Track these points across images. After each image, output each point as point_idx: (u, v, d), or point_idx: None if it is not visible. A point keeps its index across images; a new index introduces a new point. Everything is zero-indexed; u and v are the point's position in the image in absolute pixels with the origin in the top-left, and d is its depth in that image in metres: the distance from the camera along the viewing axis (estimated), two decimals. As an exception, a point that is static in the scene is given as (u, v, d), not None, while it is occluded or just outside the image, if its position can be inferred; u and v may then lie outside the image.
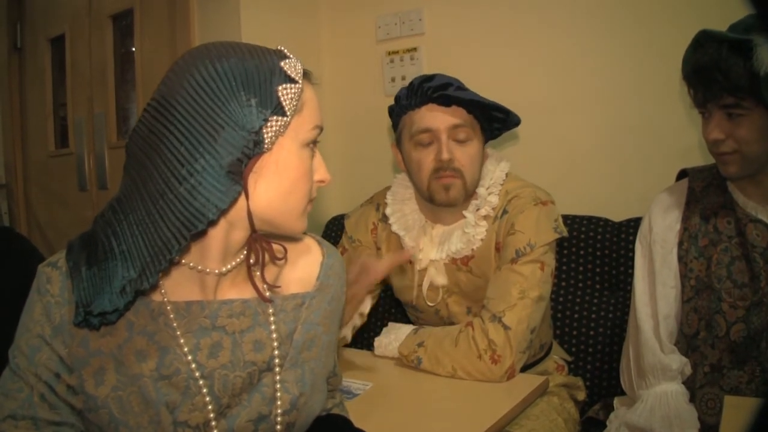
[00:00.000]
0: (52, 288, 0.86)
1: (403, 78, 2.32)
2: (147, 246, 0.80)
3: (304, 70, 0.88)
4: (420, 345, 1.47)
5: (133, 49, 2.69)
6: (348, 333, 1.47)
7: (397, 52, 2.37)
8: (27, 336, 0.86)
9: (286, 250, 0.95)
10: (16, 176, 3.41)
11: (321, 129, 0.92)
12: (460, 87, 1.54)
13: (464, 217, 1.58)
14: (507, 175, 1.61)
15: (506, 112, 1.57)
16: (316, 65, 2.54)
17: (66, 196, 3.11)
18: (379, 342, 1.57)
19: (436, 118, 1.52)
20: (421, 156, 1.55)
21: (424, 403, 1.37)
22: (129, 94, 2.82)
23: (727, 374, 1.35)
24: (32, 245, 1.83)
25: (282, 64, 0.85)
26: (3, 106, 3.42)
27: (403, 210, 1.66)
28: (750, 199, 1.36)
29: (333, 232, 2.28)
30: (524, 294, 1.44)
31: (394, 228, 1.64)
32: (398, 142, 1.63)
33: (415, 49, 2.33)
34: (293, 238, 1.02)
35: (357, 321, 1.46)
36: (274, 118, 0.83)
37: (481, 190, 1.58)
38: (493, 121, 1.58)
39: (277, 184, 0.87)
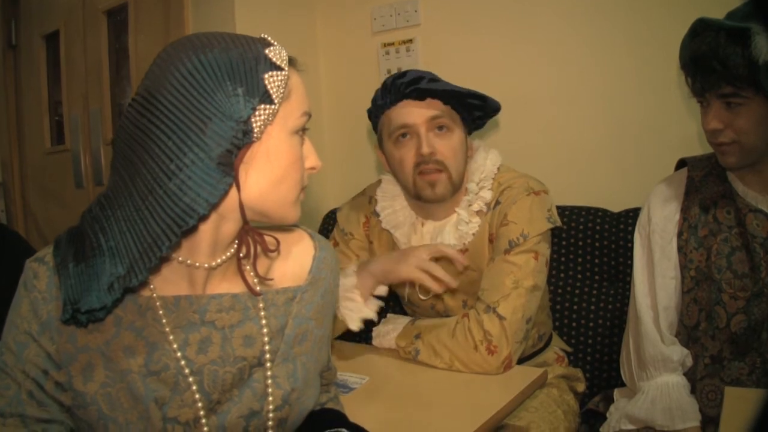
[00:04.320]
0: (39, 284, 0.85)
1: (399, 69, 2.30)
2: (136, 243, 0.78)
3: (289, 56, 0.87)
4: (417, 336, 1.47)
5: (128, 44, 2.68)
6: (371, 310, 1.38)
7: (392, 44, 2.36)
8: (14, 332, 0.85)
9: (278, 242, 0.94)
10: (12, 174, 3.41)
11: (309, 115, 0.91)
12: (433, 79, 1.51)
13: (455, 212, 1.56)
14: (499, 168, 1.59)
15: (483, 99, 1.54)
16: (312, 57, 2.53)
17: (63, 193, 3.11)
18: (377, 331, 1.56)
19: (412, 113, 1.50)
20: (402, 153, 1.53)
21: (421, 396, 1.36)
22: (124, 90, 2.81)
23: (727, 365, 1.34)
24: (26, 242, 1.82)
25: (267, 51, 0.84)
26: (-1, 104, 3.42)
27: (394, 206, 1.64)
28: (750, 189, 1.35)
29: (330, 225, 2.27)
30: (518, 284, 1.43)
31: (384, 224, 1.63)
32: (380, 143, 1.61)
33: (410, 40, 2.31)
34: (285, 230, 1.01)
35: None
36: (262, 106, 0.82)
37: (471, 185, 1.56)
38: (473, 110, 1.56)
39: (268, 173, 0.86)
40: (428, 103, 1.50)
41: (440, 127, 1.51)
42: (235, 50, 0.82)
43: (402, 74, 1.52)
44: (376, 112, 1.58)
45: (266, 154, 0.85)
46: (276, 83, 0.83)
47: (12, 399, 0.84)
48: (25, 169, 3.41)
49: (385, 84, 1.54)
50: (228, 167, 0.80)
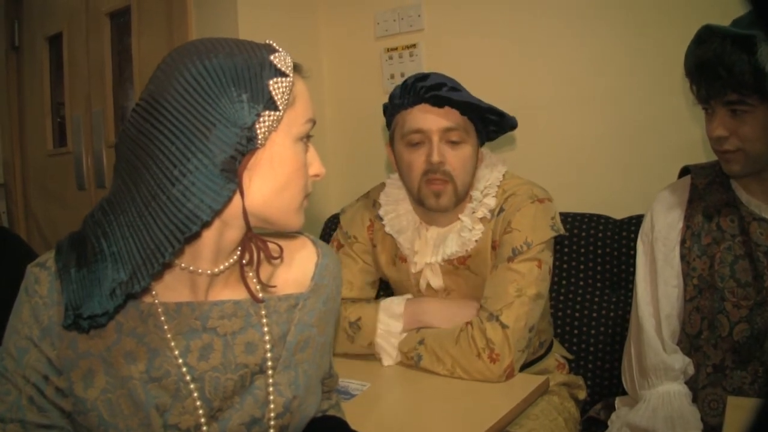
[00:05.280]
0: (41, 289, 0.84)
1: (402, 75, 2.30)
2: (138, 249, 0.78)
3: (294, 63, 0.86)
4: (420, 342, 1.46)
5: (131, 46, 2.68)
6: None
7: (395, 49, 2.36)
8: (15, 338, 0.85)
9: (281, 249, 0.93)
10: (14, 175, 3.40)
11: (314, 122, 0.90)
12: (455, 87, 1.50)
13: (459, 219, 1.55)
14: (504, 176, 1.58)
15: (500, 115, 1.52)
16: (315, 62, 2.53)
17: (64, 195, 3.11)
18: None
19: (427, 119, 1.48)
20: (412, 157, 1.51)
21: (422, 403, 1.35)
22: (127, 92, 2.81)
23: (730, 374, 1.33)
24: (27, 246, 1.82)
25: (271, 57, 0.83)
26: (1, 106, 3.42)
27: (398, 210, 1.63)
28: (754, 197, 1.34)
29: (332, 230, 2.26)
30: (521, 292, 1.42)
31: (388, 229, 1.62)
32: (391, 141, 1.60)
33: (414, 45, 2.31)
34: (288, 237, 1.01)
35: None
36: (267, 112, 0.81)
37: (476, 194, 1.55)
38: (488, 123, 1.55)
39: (272, 181, 0.85)
40: (446, 111, 1.48)
41: (453, 140, 1.49)
42: (239, 56, 0.82)
43: (424, 77, 1.50)
44: (392, 111, 1.56)
45: (270, 161, 0.84)
46: (281, 89, 0.82)
47: (12, 404, 0.83)
48: (26, 171, 3.40)
49: (405, 84, 1.52)
50: (232, 174, 0.79)
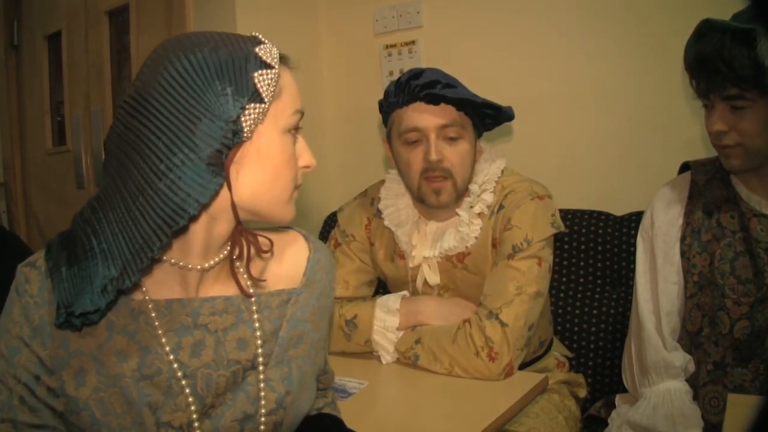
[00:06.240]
0: (31, 288, 0.84)
1: (401, 71, 2.29)
2: (127, 244, 0.78)
3: (280, 54, 0.86)
4: (417, 342, 1.45)
5: (130, 45, 2.67)
6: None
7: (394, 46, 2.35)
8: (6, 337, 0.85)
9: (272, 243, 0.93)
10: (14, 174, 3.40)
11: (302, 113, 0.90)
12: (449, 84, 1.49)
13: (458, 214, 1.55)
14: (503, 171, 1.57)
15: (497, 108, 1.52)
16: (314, 59, 2.53)
17: (64, 194, 3.11)
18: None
19: (423, 118, 1.48)
20: (410, 155, 1.51)
21: (420, 402, 1.35)
22: (125, 91, 2.78)
23: (730, 372, 1.32)
24: (25, 245, 1.81)
25: (257, 50, 0.83)
26: (1, 105, 3.41)
27: (397, 204, 1.63)
28: (754, 193, 1.34)
29: (332, 227, 2.24)
30: (521, 290, 1.41)
31: (387, 222, 1.62)
32: (389, 138, 1.59)
33: (413, 42, 2.31)
34: (279, 232, 1.00)
35: None
36: (252, 105, 0.81)
37: (473, 187, 1.54)
38: (485, 118, 1.54)
39: (260, 173, 0.85)
40: (441, 108, 1.47)
41: (450, 137, 1.49)
42: (224, 49, 0.81)
43: (418, 74, 1.49)
44: (388, 108, 1.56)
45: (257, 154, 0.84)
46: (266, 82, 0.82)
47: (3, 404, 0.83)
48: (26, 170, 3.40)
49: (399, 81, 1.51)
50: (218, 167, 0.79)
